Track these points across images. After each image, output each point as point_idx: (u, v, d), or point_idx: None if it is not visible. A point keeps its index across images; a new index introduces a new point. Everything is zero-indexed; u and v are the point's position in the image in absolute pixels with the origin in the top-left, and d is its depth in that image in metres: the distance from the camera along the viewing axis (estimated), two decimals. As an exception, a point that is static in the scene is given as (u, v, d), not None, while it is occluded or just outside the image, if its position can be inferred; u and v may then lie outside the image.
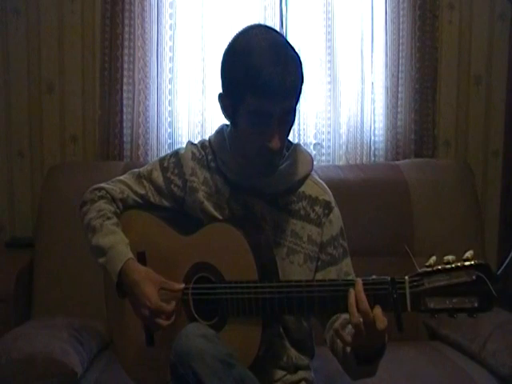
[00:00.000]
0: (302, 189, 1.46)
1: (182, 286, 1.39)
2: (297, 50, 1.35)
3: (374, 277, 1.22)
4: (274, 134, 1.31)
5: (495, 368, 1.82)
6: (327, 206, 1.47)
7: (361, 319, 1.18)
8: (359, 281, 1.21)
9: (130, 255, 1.42)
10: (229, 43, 1.36)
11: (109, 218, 1.47)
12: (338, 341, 1.36)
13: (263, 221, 1.43)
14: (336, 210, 1.49)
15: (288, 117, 1.33)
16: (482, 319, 1.99)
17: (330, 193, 1.50)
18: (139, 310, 1.38)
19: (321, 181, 1.51)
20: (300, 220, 1.45)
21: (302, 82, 1.33)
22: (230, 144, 1.45)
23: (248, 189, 1.44)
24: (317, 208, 1.46)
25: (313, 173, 1.50)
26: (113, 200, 1.51)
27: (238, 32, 1.36)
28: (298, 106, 1.35)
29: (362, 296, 1.19)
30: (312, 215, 1.45)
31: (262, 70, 1.26)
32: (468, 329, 2.01)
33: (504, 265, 1.15)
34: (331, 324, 1.42)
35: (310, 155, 1.50)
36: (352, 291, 1.21)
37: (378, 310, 1.18)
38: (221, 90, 1.38)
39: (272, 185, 1.43)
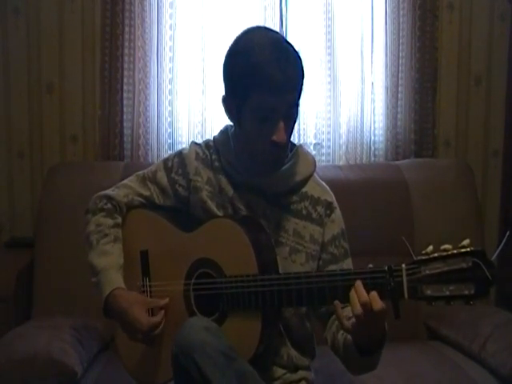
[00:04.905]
0: (304, 189, 1.48)
1: (167, 300, 1.42)
2: (297, 50, 1.36)
3: (370, 266, 1.22)
4: (280, 128, 1.33)
5: (495, 368, 1.82)
6: (329, 207, 1.49)
7: (361, 310, 1.18)
8: (359, 282, 1.21)
9: (118, 284, 1.43)
10: (230, 46, 1.38)
11: (106, 235, 1.48)
12: (339, 336, 1.37)
13: (266, 220, 1.43)
14: (337, 211, 1.50)
15: (291, 111, 1.35)
16: (481, 319, 2.02)
17: (332, 194, 1.52)
18: (133, 335, 1.40)
19: (323, 182, 1.53)
20: (302, 220, 1.46)
21: (303, 76, 1.35)
22: (234, 144, 1.46)
23: (251, 188, 1.45)
24: (319, 208, 1.47)
25: (315, 174, 1.51)
26: (115, 208, 1.52)
27: (238, 35, 1.39)
28: (300, 101, 1.37)
29: (362, 290, 1.19)
30: (314, 215, 1.46)
31: (264, 66, 1.29)
32: (468, 329, 2.01)
33: (499, 249, 1.14)
34: (332, 322, 1.43)
35: (313, 156, 1.52)
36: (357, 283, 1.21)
37: (373, 294, 1.18)
38: (224, 93, 1.40)
39: (274, 184, 1.45)
